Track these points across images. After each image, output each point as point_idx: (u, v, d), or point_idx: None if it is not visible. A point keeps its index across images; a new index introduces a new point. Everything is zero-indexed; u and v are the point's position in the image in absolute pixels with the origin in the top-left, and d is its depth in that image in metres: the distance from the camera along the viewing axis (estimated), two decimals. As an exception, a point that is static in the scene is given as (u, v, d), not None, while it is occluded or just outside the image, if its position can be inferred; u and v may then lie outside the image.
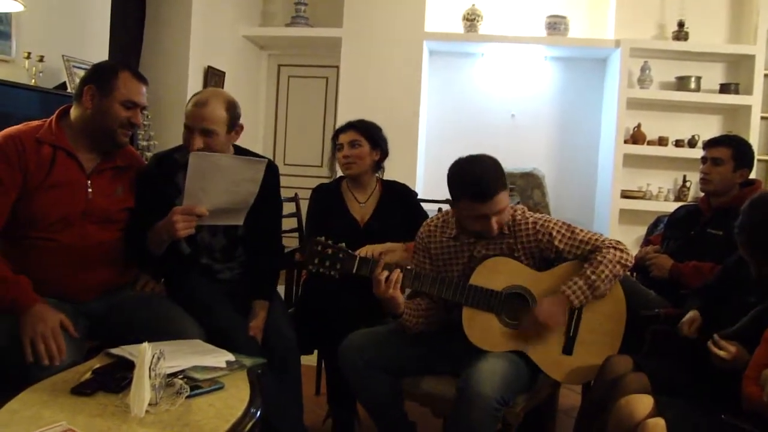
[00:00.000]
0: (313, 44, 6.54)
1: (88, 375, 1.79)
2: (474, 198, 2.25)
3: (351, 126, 2.95)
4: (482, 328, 2.31)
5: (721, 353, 1.99)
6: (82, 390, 1.69)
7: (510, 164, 5.84)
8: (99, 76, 2.26)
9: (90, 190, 2.25)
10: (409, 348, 2.43)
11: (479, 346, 2.28)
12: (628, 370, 2.18)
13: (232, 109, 2.49)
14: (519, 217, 2.40)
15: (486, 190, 2.24)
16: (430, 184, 6.02)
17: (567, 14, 6.01)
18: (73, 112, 2.29)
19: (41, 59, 3.73)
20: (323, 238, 2.31)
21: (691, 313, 2.34)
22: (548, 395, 2.51)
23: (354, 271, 2.29)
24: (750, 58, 5.71)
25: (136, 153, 2.59)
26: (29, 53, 3.64)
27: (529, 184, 5.75)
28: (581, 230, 2.39)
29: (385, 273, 2.26)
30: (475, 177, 2.26)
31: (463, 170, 2.32)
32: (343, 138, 2.92)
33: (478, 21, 6.06)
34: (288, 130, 6.91)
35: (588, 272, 2.29)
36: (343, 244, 2.32)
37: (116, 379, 1.75)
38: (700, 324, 2.27)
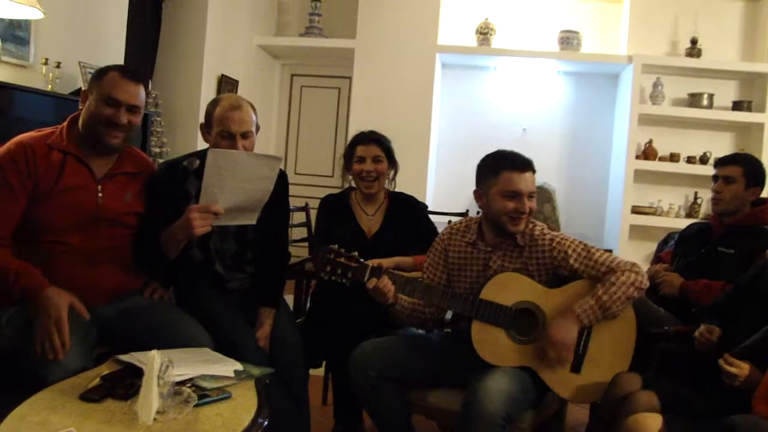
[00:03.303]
0: (326, 55, 6.57)
1: (96, 381, 1.80)
2: (513, 167, 2.36)
3: (374, 140, 2.91)
4: (492, 343, 2.31)
5: (733, 370, 1.98)
6: (90, 396, 1.70)
7: (521, 178, 5.86)
8: (92, 78, 2.28)
9: (100, 194, 2.27)
10: (420, 359, 2.43)
11: (488, 361, 2.27)
12: (637, 387, 2.16)
13: (255, 111, 2.53)
14: (537, 233, 2.40)
15: (524, 160, 2.39)
16: (440, 197, 6.02)
17: (580, 29, 6.03)
18: (80, 119, 2.31)
19: (58, 65, 3.77)
20: (336, 246, 2.32)
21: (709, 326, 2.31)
22: (556, 411, 2.50)
23: (366, 280, 2.31)
24: (763, 76, 5.72)
25: (147, 159, 2.60)
26: (46, 59, 3.68)
27: (540, 199, 5.75)
28: (597, 250, 2.37)
29: (374, 281, 2.30)
30: (511, 152, 2.42)
31: (497, 152, 2.44)
32: (365, 152, 2.88)
33: (491, 35, 6.08)
34: (300, 140, 6.94)
35: (600, 293, 2.27)
36: (356, 253, 2.33)
37: (125, 385, 1.75)
38: (720, 334, 2.25)
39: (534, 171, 2.38)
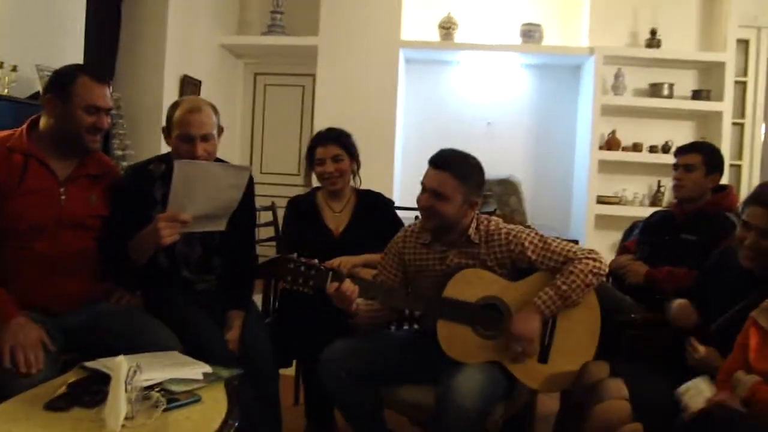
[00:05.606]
0: (289, 53, 6.54)
1: (62, 390, 1.76)
2: (430, 161, 2.38)
3: (331, 139, 2.88)
4: (458, 341, 2.31)
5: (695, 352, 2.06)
6: (56, 405, 1.66)
7: (486, 171, 5.85)
8: (57, 84, 2.24)
9: (63, 197, 2.25)
10: (390, 357, 2.43)
11: (456, 359, 2.28)
12: (605, 375, 2.19)
13: (217, 113, 2.51)
14: (493, 228, 2.41)
15: (439, 158, 2.37)
16: (406, 192, 6.02)
17: (541, 22, 6.07)
18: (42, 122, 2.28)
19: (14, 69, 3.69)
20: (295, 255, 2.29)
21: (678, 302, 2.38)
22: (526, 402, 2.52)
23: (327, 287, 2.28)
24: (720, 65, 5.81)
25: (110, 161, 2.58)
26: (1, 63, 3.60)
27: (506, 191, 5.78)
28: (554, 241, 2.39)
29: (335, 285, 2.26)
30: (447, 149, 2.41)
31: (450, 148, 2.44)
32: (324, 153, 2.86)
33: (453, 29, 6.10)
34: (264, 139, 6.90)
35: (559, 282, 2.29)
36: (316, 261, 2.30)
37: (91, 393, 1.72)
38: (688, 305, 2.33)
39: (447, 171, 2.32)
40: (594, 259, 2.33)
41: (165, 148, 2.57)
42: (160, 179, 2.46)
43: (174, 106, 2.49)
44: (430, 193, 2.34)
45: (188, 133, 2.39)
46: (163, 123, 2.52)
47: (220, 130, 2.52)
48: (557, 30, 6.24)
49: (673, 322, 2.37)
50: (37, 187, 2.20)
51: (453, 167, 2.33)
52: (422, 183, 2.39)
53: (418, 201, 2.38)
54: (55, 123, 2.23)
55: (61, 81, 2.24)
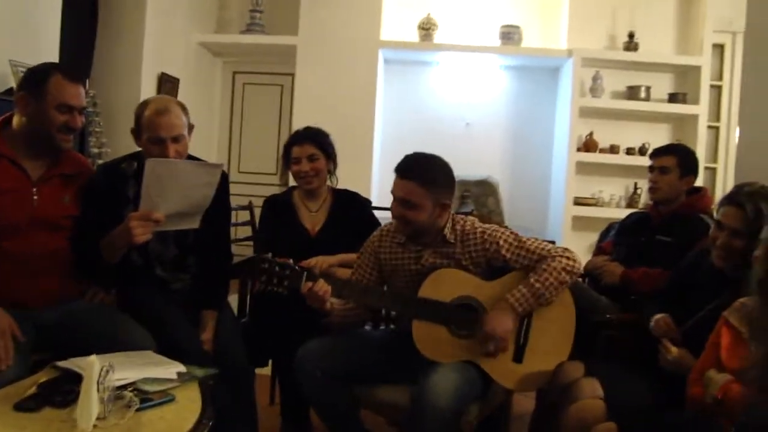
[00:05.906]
0: (268, 51, 6.51)
1: (32, 390, 1.74)
2: (395, 170, 2.36)
3: (307, 138, 2.89)
4: (433, 340, 2.30)
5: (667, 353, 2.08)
6: (26, 405, 1.64)
7: (465, 172, 5.90)
8: (30, 82, 2.23)
9: (36, 197, 2.23)
10: (366, 356, 2.42)
11: (431, 359, 2.27)
12: (580, 375, 2.21)
13: (186, 111, 2.49)
14: (468, 228, 2.41)
15: (403, 166, 2.35)
16: (384, 192, 6.00)
17: (521, 24, 6.11)
18: (14, 121, 2.26)
19: (-14, 64, 3.65)
20: (269, 255, 2.28)
21: (659, 317, 2.35)
22: (502, 402, 2.53)
23: (301, 286, 2.27)
24: (696, 69, 5.87)
25: (84, 160, 2.55)
26: (-26, 58, 3.56)
27: (484, 192, 5.80)
28: (529, 239, 2.39)
29: (309, 284, 2.26)
30: (410, 156, 2.38)
31: (414, 153, 2.41)
32: (300, 152, 2.86)
33: (433, 30, 6.11)
34: (243, 138, 6.87)
35: (532, 280, 2.29)
36: (291, 261, 2.29)
37: (62, 392, 1.70)
38: (670, 321, 2.30)
39: (412, 180, 2.30)
40: (568, 258, 2.33)
41: (141, 147, 2.55)
42: (132, 177, 2.43)
43: (142, 107, 2.44)
44: (399, 203, 2.34)
45: (158, 136, 2.36)
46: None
47: (191, 127, 2.50)
48: (536, 32, 6.27)
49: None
50: (9, 188, 2.18)
51: (417, 175, 2.31)
52: (392, 192, 2.38)
53: (391, 210, 2.37)
54: (28, 121, 2.21)
55: (35, 79, 2.22)
